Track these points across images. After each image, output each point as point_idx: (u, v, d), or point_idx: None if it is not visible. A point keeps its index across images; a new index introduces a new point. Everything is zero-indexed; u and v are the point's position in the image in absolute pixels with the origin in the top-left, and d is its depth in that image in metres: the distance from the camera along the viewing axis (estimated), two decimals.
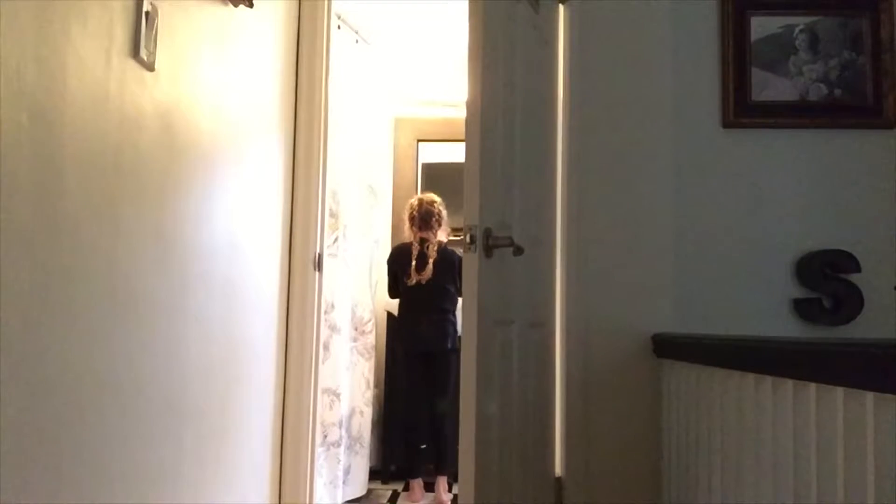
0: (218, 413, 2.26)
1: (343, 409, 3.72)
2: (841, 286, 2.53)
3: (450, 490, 3.95)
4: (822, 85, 2.62)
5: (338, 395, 3.65)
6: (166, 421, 1.90)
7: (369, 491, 4.06)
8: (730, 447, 1.74)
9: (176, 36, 1.87)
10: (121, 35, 1.60)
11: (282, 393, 2.89)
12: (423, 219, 4.05)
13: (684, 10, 2.63)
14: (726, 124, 2.62)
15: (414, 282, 3.99)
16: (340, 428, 3.66)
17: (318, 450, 3.19)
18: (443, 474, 3.92)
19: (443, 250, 4.06)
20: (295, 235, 2.95)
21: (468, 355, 1.86)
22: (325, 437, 3.51)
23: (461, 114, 2.08)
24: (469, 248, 1.88)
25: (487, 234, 1.91)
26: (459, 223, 2.50)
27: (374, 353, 4.14)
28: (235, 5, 2.25)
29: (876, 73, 2.60)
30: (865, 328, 2.48)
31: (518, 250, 2.06)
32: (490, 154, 1.99)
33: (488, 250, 1.92)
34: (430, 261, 3.96)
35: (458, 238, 4.21)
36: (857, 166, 2.59)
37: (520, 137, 2.27)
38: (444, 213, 4.12)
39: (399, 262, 4.07)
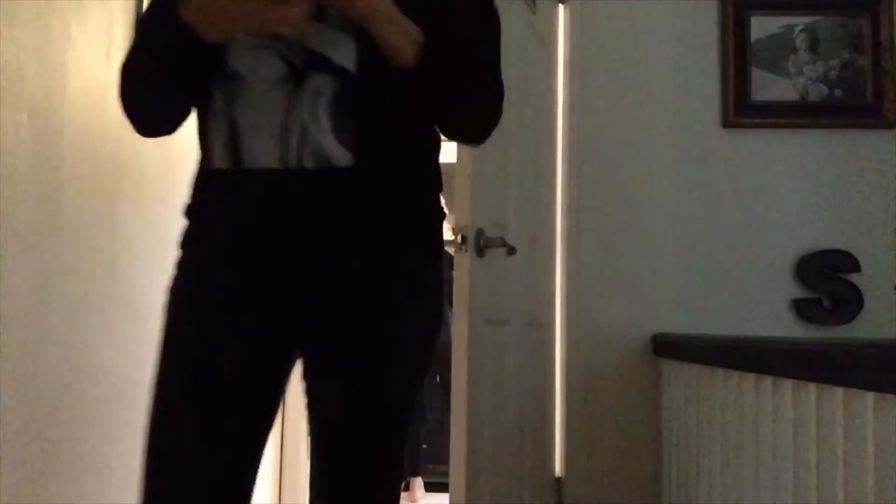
0: None
1: None
2: (841, 286, 2.53)
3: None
4: (822, 85, 2.62)
5: None
6: None
7: None
8: (730, 447, 1.74)
9: None
10: (121, 35, 1.60)
11: None
12: None
13: (684, 10, 2.63)
14: (726, 124, 2.62)
15: None
16: None
17: None
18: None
19: None
20: None
21: (459, 355, 1.87)
22: None
23: None
24: (460, 249, 1.89)
25: (479, 234, 1.92)
26: None
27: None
28: None
29: (876, 73, 2.60)
30: (865, 328, 2.48)
31: (511, 251, 2.06)
32: (482, 155, 1.99)
33: (480, 251, 1.93)
34: None
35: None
36: (857, 166, 2.59)
37: (516, 137, 2.27)
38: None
39: None
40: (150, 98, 1.14)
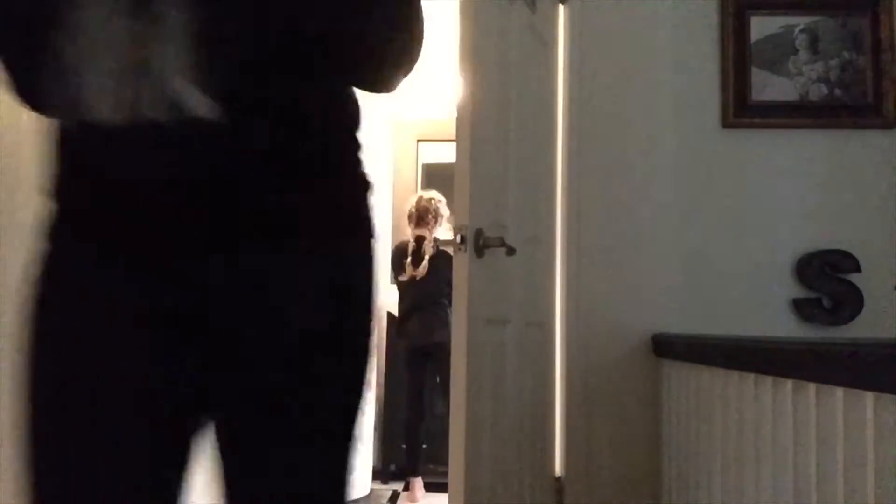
0: None
1: None
2: (841, 286, 2.53)
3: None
4: (822, 85, 2.62)
5: None
6: None
7: (371, 490, 4.07)
8: (730, 447, 1.74)
9: None
10: None
11: None
12: (420, 216, 4.07)
13: (684, 10, 2.63)
14: (726, 124, 2.62)
15: (408, 277, 4.00)
16: None
17: None
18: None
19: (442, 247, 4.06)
20: None
21: (458, 354, 1.88)
22: None
23: None
24: (459, 249, 1.90)
25: (478, 234, 1.93)
26: None
27: (374, 353, 4.14)
28: None
29: (876, 73, 2.60)
30: (865, 328, 2.48)
31: (510, 251, 2.07)
32: (481, 155, 1.99)
33: (479, 251, 1.93)
34: (426, 257, 3.98)
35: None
36: (857, 166, 2.59)
37: (515, 137, 2.27)
38: (444, 209, 4.12)
39: (397, 259, 4.10)
40: (21, 65, 0.84)
